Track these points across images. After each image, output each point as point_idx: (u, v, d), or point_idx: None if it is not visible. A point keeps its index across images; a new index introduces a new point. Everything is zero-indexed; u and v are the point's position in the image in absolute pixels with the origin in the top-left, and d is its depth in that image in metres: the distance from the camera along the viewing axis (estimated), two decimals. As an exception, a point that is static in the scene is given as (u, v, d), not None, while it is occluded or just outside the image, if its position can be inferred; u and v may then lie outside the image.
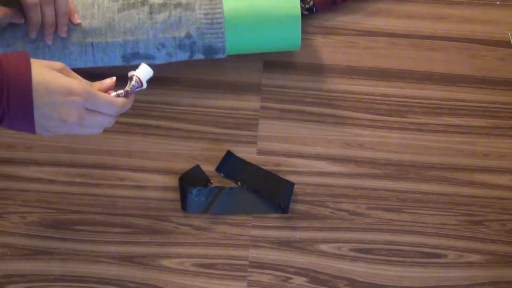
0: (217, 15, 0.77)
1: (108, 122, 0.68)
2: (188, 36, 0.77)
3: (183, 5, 0.77)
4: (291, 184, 0.83)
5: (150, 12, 0.76)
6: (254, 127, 0.85)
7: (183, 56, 0.79)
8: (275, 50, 0.83)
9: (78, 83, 0.64)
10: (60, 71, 0.64)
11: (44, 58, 0.72)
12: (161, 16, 0.76)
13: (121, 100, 0.68)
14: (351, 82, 0.86)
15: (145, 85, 0.70)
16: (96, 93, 0.65)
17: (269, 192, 0.83)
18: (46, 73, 0.62)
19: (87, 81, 0.67)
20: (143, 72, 0.70)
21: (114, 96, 0.68)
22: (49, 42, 0.76)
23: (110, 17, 0.77)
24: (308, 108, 0.85)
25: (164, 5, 0.77)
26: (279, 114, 0.85)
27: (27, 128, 0.63)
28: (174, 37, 0.77)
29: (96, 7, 0.77)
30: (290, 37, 0.80)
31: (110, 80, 0.69)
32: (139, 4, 0.77)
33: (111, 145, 0.85)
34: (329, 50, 0.86)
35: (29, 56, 0.62)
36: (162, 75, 0.85)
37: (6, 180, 0.84)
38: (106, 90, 0.68)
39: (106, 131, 0.84)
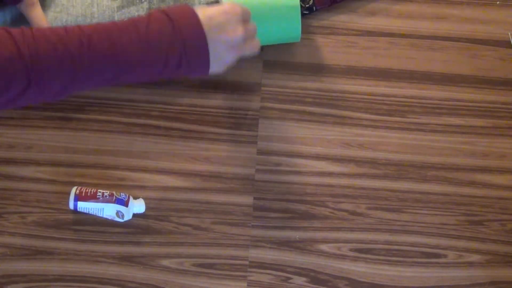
0: None
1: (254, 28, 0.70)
2: None
3: None
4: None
5: (149, 9, 0.76)
6: (254, 127, 0.85)
7: None
8: (276, 43, 0.82)
9: (225, 4, 0.66)
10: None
11: None
12: None
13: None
14: (351, 82, 0.86)
15: None
16: (239, 4, 0.67)
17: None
18: (199, 9, 0.64)
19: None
20: None
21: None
22: None
23: (110, 15, 0.77)
24: (308, 108, 0.85)
25: (163, 0, 0.77)
26: (279, 114, 0.85)
27: (203, 69, 0.65)
28: None
29: (95, 6, 0.77)
30: (290, 28, 0.79)
31: None
32: (138, 1, 0.77)
33: (111, 145, 0.85)
34: (329, 50, 0.86)
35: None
36: (162, 75, 0.85)
37: (6, 180, 0.84)
38: None
39: (106, 131, 0.84)
